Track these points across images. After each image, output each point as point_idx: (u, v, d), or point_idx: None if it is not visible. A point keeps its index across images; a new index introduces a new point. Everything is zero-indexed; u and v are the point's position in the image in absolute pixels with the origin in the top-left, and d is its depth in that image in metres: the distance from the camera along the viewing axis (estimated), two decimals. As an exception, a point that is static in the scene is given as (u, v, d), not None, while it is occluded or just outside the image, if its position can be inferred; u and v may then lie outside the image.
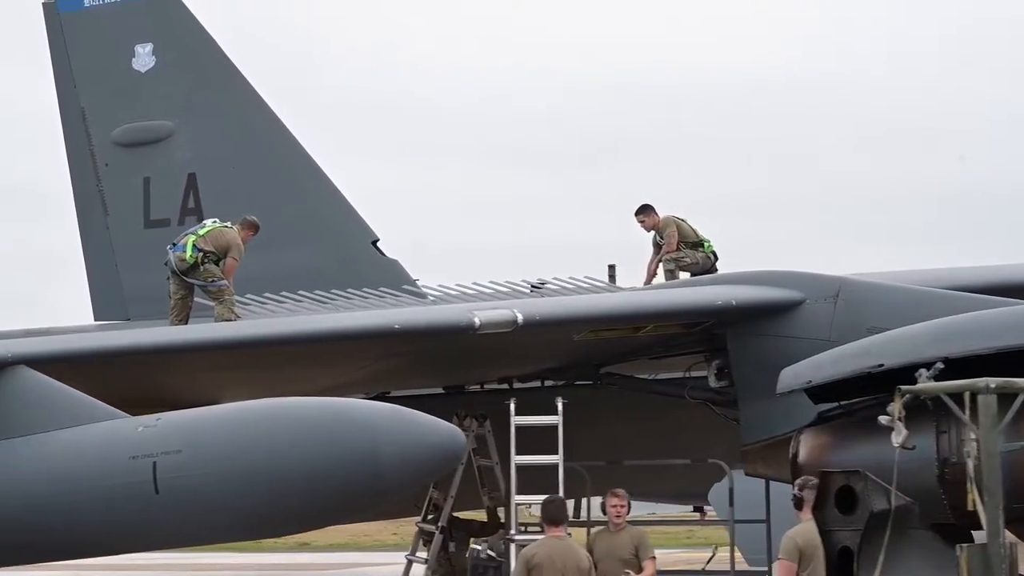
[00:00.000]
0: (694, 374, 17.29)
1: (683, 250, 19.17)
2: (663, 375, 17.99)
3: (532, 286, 18.46)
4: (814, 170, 75.30)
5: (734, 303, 15.85)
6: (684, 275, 19.08)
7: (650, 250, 19.75)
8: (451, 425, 12.03)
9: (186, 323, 17.37)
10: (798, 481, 14.49)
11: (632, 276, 19.04)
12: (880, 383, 14.66)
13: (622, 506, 14.79)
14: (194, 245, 17.17)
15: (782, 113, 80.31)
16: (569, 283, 18.58)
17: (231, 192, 20.72)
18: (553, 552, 13.38)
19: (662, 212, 19.02)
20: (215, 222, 17.53)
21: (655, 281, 19.72)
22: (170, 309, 17.47)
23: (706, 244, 19.36)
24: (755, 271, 16.67)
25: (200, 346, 14.06)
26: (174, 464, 12.33)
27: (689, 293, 16.15)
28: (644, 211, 19.58)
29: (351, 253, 20.19)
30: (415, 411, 12.18)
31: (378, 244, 20.62)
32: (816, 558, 13.83)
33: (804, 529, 13.98)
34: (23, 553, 13.37)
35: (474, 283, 17.90)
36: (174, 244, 17.47)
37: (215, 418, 12.59)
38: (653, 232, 19.65)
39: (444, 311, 15.92)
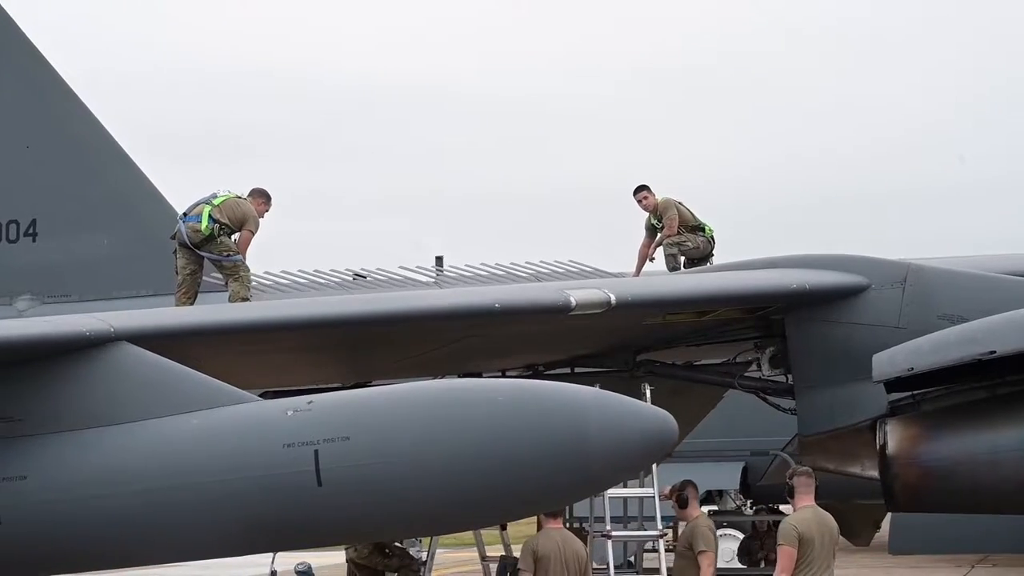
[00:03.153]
0: (732, 361, 16.65)
1: (684, 234, 18.55)
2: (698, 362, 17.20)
3: (355, 275, 17.67)
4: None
5: (807, 287, 15.24)
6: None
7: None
8: (662, 410, 10.98)
9: (194, 301, 15.89)
10: (790, 470, 14.31)
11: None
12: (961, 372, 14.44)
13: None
14: (210, 216, 15.70)
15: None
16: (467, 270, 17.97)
17: (26, 174, 19.33)
18: (557, 543, 13.61)
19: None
20: (228, 192, 16.07)
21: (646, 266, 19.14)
22: (177, 286, 15.99)
23: (706, 228, 18.77)
24: (811, 254, 16.07)
25: (332, 321, 12.67)
26: (341, 452, 10.89)
27: (764, 276, 15.42)
28: (643, 190, 18.90)
29: (157, 239, 18.79)
30: (620, 395, 11.10)
31: None
32: (815, 543, 13.64)
33: (802, 516, 13.87)
34: (150, 553, 11.76)
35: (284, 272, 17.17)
36: (184, 215, 15.96)
37: (388, 401, 11.16)
38: (647, 216, 19.00)
39: (538, 290, 14.86)
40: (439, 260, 20.25)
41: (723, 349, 16.72)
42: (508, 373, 16.75)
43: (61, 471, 11.39)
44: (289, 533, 11.24)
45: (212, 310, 13.44)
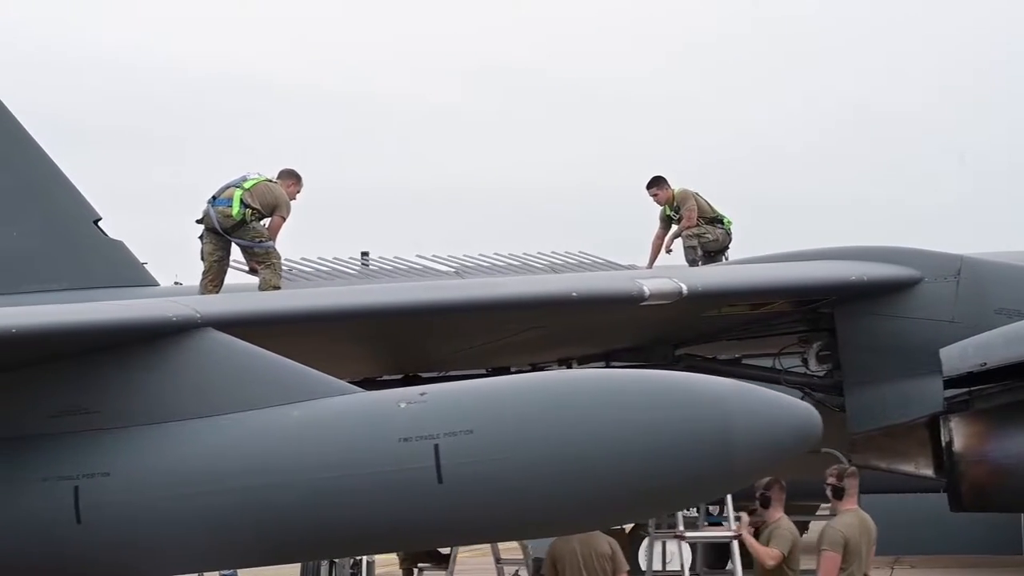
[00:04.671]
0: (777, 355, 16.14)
1: (702, 225, 18.06)
2: (730, 356, 16.68)
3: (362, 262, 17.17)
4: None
5: (866, 279, 14.81)
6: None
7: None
8: (805, 403, 10.39)
9: (220, 289, 15.03)
10: (835, 469, 13.81)
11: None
12: None
13: None
14: (241, 200, 14.83)
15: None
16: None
17: None
18: (574, 544, 13.31)
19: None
20: (259, 175, 15.22)
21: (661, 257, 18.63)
22: (203, 273, 15.09)
23: (725, 220, 18.29)
24: (860, 246, 15.67)
25: (421, 308, 11.99)
26: (464, 447, 10.09)
27: (821, 268, 14.96)
28: (657, 184, 18.40)
29: (71, 232, 18.00)
30: (759, 387, 10.49)
31: (100, 224, 18.50)
32: (859, 549, 13.23)
33: (848, 520, 13.41)
34: (246, 556, 10.90)
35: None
36: (213, 198, 15.07)
37: (513, 392, 10.39)
38: (662, 207, 18.49)
39: (611, 279, 14.24)
40: (364, 255, 19.55)
41: (761, 343, 16.20)
42: (540, 367, 16.11)
43: (147, 467, 10.48)
44: (406, 533, 10.46)
45: (300, 296, 12.61)
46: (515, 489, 10.05)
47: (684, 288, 13.44)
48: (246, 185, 14.96)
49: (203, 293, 14.83)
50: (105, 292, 17.02)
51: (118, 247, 18.42)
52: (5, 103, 18.64)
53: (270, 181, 15.18)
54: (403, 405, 10.32)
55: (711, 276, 14.52)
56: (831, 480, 13.56)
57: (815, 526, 17.83)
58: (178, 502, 10.34)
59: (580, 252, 18.16)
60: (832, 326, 15.32)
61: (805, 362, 15.56)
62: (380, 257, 16.71)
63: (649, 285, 13.25)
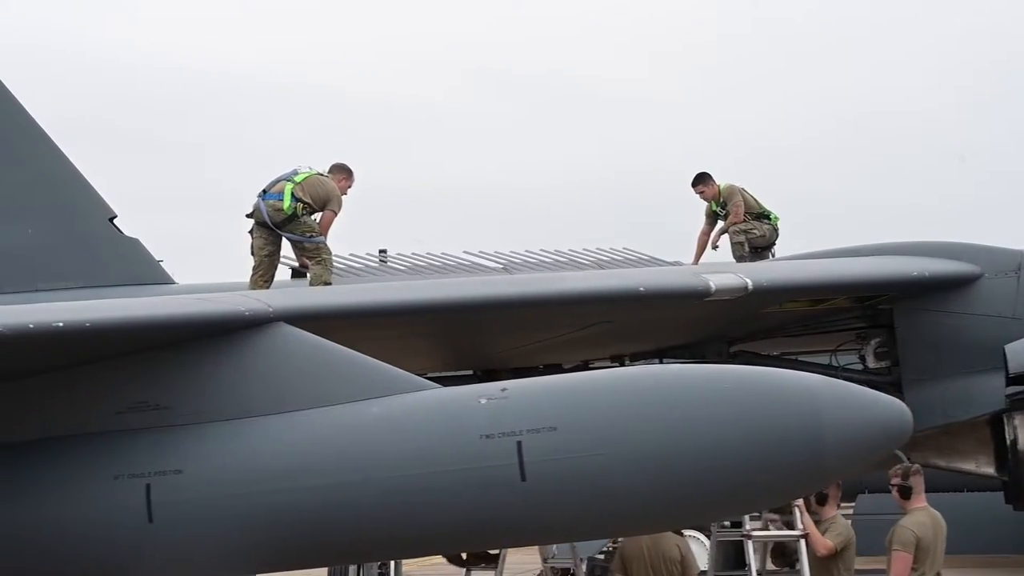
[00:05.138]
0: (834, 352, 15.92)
1: (750, 221, 17.83)
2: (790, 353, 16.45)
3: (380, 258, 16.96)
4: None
5: (928, 275, 14.60)
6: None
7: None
8: (896, 399, 10.13)
9: (271, 285, 14.77)
10: (899, 468, 13.56)
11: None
12: None
13: None
14: (292, 193, 14.57)
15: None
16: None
17: None
18: (643, 545, 13.22)
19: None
20: (310, 168, 14.96)
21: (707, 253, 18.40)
22: (253, 268, 14.82)
23: (772, 216, 18.06)
24: (918, 242, 15.47)
25: (495, 302, 11.80)
26: (547, 444, 9.81)
27: (883, 264, 14.75)
28: (703, 180, 18.18)
29: (86, 229, 17.80)
30: (848, 382, 10.22)
31: (116, 221, 18.31)
32: (931, 548, 12.99)
33: (919, 519, 13.17)
34: (321, 555, 10.62)
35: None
36: (264, 192, 14.81)
37: (598, 388, 10.09)
38: (708, 203, 18.26)
39: (677, 274, 14.01)
40: (383, 252, 19.30)
41: (816, 340, 15.98)
42: (592, 364, 15.88)
43: (221, 465, 10.20)
44: (487, 532, 10.19)
45: (373, 290, 12.36)
46: (601, 487, 9.78)
47: (749, 283, 13.23)
48: (297, 178, 14.70)
49: (253, 289, 14.57)
50: (122, 290, 16.82)
51: (134, 245, 18.22)
52: (19, 101, 18.42)
53: (321, 175, 14.93)
54: (484, 401, 10.06)
55: (776, 271, 14.28)
56: (896, 480, 13.35)
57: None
58: (253, 501, 10.07)
59: (624, 248, 17.95)
60: (890, 322, 15.10)
61: (863, 359, 15.35)
62: (428, 253, 16.44)
63: (715, 280, 13.03)
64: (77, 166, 18.29)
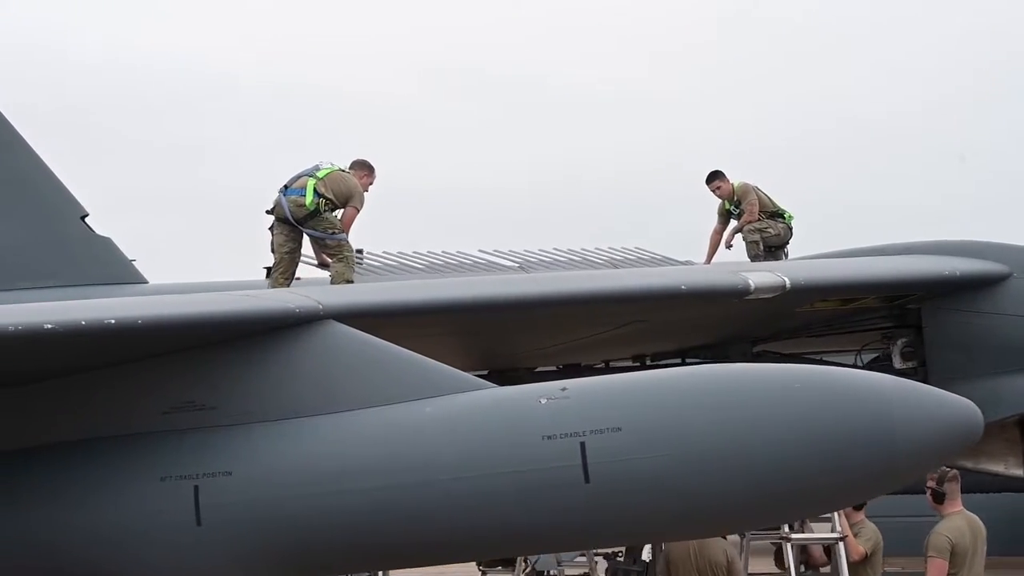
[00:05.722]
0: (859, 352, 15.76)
1: (764, 220, 17.63)
2: (809, 352, 16.26)
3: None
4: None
5: (958, 274, 14.44)
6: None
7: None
8: (966, 399, 9.94)
9: (291, 283, 14.46)
10: (933, 474, 13.41)
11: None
12: None
13: None
14: (315, 189, 14.27)
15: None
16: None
17: None
18: (690, 549, 13.05)
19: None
20: (332, 164, 14.65)
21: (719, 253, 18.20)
22: (274, 266, 14.49)
23: (786, 215, 17.86)
24: (944, 240, 15.31)
25: (540, 300, 11.51)
26: (612, 445, 9.54)
27: (914, 263, 14.58)
28: (718, 177, 17.94)
29: (59, 229, 17.55)
30: (916, 382, 10.02)
31: (87, 220, 18.06)
32: (968, 553, 12.83)
33: (954, 524, 12.99)
34: (378, 559, 10.34)
35: None
36: (285, 187, 14.48)
37: (664, 388, 9.81)
38: (720, 202, 18.05)
39: (716, 272, 13.78)
40: (359, 252, 19.01)
41: (840, 339, 15.81)
42: (612, 364, 15.66)
43: (271, 466, 9.89)
44: (550, 534, 9.92)
45: (426, 287, 12.05)
46: (667, 489, 9.53)
47: (787, 282, 13.03)
48: (319, 174, 14.40)
49: (274, 287, 14.26)
50: (96, 290, 16.55)
51: (106, 244, 17.95)
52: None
53: (343, 171, 14.62)
54: (544, 401, 9.79)
55: (812, 270, 14.07)
56: (931, 484, 13.16)
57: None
58: (304, 503, 9.78)
59: (636, 248, 17.71)
60: (917, 322, 14.93)
61: (889, 359, 15.16)
62: (444, 251, 16.17)
63: (754, 279, 12.86)
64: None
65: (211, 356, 10.15)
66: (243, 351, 10.14)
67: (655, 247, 17.40)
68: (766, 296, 12.94)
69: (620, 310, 12.54)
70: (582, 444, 9.51)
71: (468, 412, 9.88)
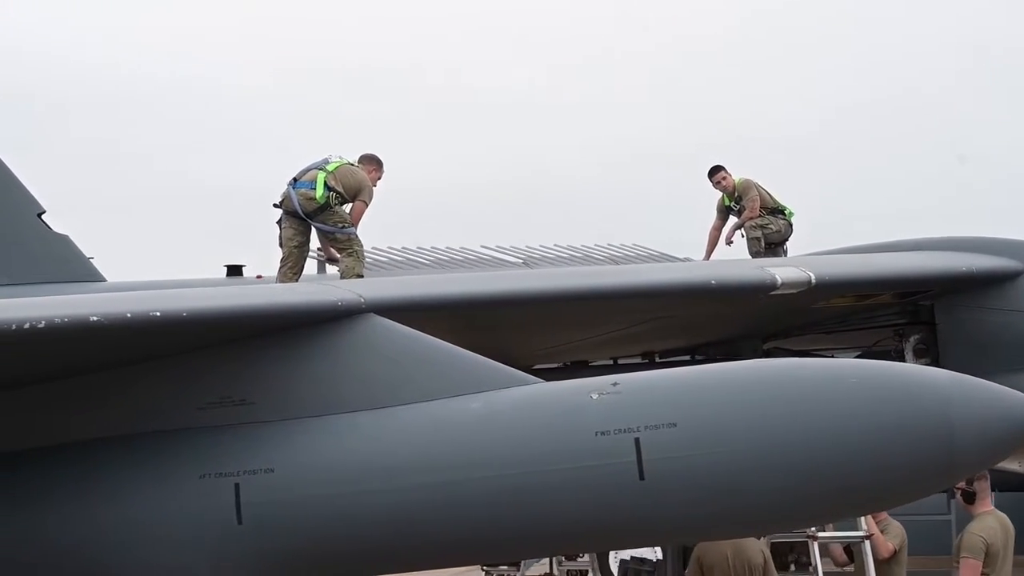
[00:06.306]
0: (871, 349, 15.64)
1: (765, 216, 17.51)
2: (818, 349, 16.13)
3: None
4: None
5: (975, 270, 14.35)
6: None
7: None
8: (1021, 393, 9.78)
9: (299, 277, 14.19)
10: None
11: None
12: None
13: None
14: (325, 183, 13.99)
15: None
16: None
17: None
18: (726, 552, 12.76)
19: None
20: (341, 157, 14.39)
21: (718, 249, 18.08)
22: (282, 260, 14.22)
23: (787, 211, 17.75)
24: (956, 237, 15.23)
25: (580, 294, 11.28)
26: (667, 441, 9.33)
27: (930, 259, 14.49)
28: (721, 170, 17.82)
29: (13, 225, 17.32)
30: (973, 377, 9.86)
31: (44, 216, 17.83)
32: (1000, 552, 12.73)
33: (987, 524, 12.88)
34: (426, 557, 9.99)
35: None
36: (294, 180, 14.20)
37: (718, 382, 9.59)
38: (720, 197, 17.93)
39: (742, 267, 13.59)
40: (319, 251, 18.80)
41: (850, 336, 15.70)
42: (620, 361, 15.46)
43: (315, 464, 9.62)
44: (603, 532, 9.69)
45: (469, 280, 11.82)
46: (723, 486, 9.34)
47: (813, 277, 12.88)
48: (329, 167, 14.15)
49: (282, 281, 13.99)
50: (55, 288, 16.25)
51: (64, 241, 17.65)
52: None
53: (352, 164, 14.36)
54: (595, 396, 9.56)
55: (836, 265, 13.93)
56: (961, 484, 13.02)
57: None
58: (350, 500, 9.51)
59: (635, 244, 17.54)
60: (930, 319, 14.83)
61: (901, 356, 15.04)
62: (448, 247, 15.94)
63: (780, 274, 12.72)
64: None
65: (248, 349, 9.87)
66: (283, 345, 9.87)
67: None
68: (792, 291, 12.79)
69: (649, 305, 12.36)
70: (636, 440, 9.31)
71: (517, 407, 9.65)
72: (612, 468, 9.29)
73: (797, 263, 13.42)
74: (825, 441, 9.25)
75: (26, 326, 8.53)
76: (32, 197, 17.81)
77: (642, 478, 9.29)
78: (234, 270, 18.51)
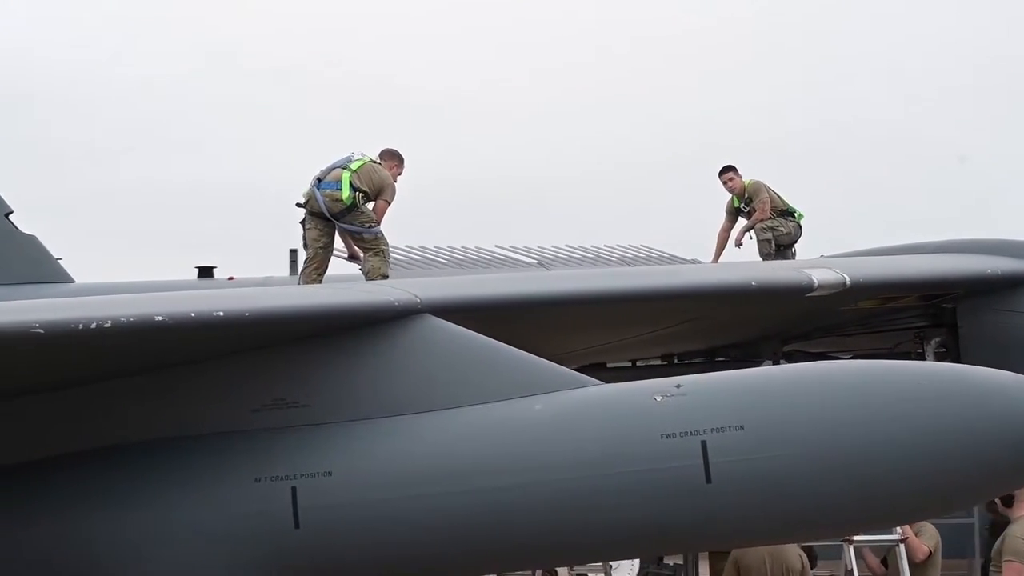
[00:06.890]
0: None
1: (775, 218, 17.44)
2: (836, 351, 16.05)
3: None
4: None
5: (999, 272, 14.33)
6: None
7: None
8: None
9: (323, 279, 13.99)
10: None
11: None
12: None
13: None
14: (350, 183, 13.79)
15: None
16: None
17: None
18: (763, 555, 12.63)
19: None
20: (363, 155, 14.18)
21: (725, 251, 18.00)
22: (306, 261, 14.00)
23: (796, 213, 17.69)
24: (977, 239, 15.20)
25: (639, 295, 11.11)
26: (734, 444, 9.18)
27: (955, 261, 14.44)
28: (732, 170, 17.76)
29: None
30: None
31: (11, 217, 17.68)
32: None
33: None
34: (487, 562, 9.81)
35: None
36: (319, 180, 13.97)
37: (785, 384, 9.46)
38: (730, 198, 17.85)
39: (780, 269, 13.50)
40: (293, 252, 18.66)
41: (868, 339, 15.64)
42: (640, 362, 15.35)
43: (374, 467, 9.42)
44: (669, 536, 9.55)
45: (517, 280, 11.63)
46: (791, 489, 9.21)
47: (847, 279, 12.81)
48: (353, 166, 13.94)
49: (306, 283, 13.79)
50: (23, 288, 16.06)
51: (31, 242, 17.42)
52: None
53: (375, 162, 14.16)
54: (659, 398, 9.40)
55: (869, 268, 13.84)
56: None
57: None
58: (410, 504, 9.33)
59: (642, 245, 17.46)
60: (951, 321, 14.79)
61: (921, 358, 14.98)
62: (463, 247, 15.79)
63: (817, 275, 12.64)
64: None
65: (302, 350, 9.67)
66: (338, 346, 9.68)
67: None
68: (826, 293, 12.71)
69: (688, 306, 12.24)
70: (703, 443, 9.17)
71: (580, 410, 9.49)
72: (678, 471, 9.15)
73: (832, 264, 13.32)
74: (895, 444, 9.14)
75: (92, 326, 8.32)
76: (0, 197, 17.59)
77: (709, 481, 9.14)
78: (205, 272, 18.34)
